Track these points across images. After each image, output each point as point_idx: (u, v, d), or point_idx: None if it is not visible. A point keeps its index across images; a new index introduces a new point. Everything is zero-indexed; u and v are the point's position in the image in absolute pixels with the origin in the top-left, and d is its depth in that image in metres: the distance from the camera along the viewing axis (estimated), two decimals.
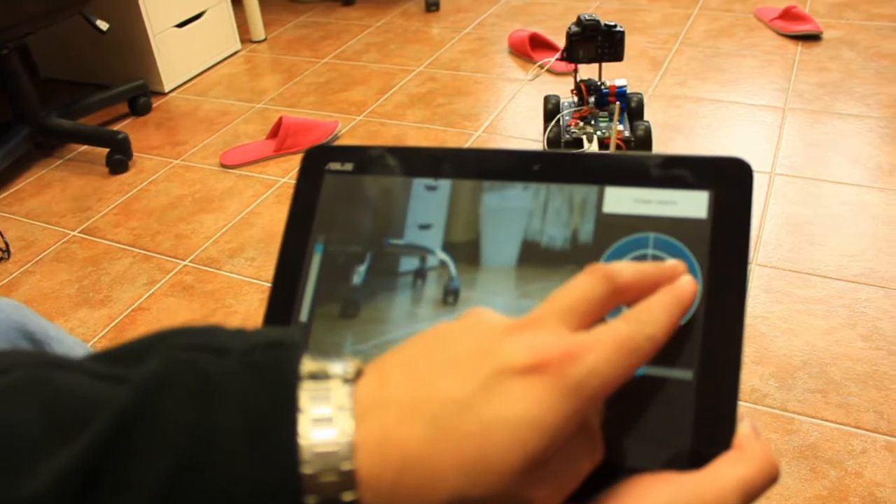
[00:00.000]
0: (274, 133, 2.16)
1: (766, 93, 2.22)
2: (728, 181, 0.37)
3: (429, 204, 0.42)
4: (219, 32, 2.70)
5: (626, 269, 0.33)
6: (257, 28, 2.87)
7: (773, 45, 2.50)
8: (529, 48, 2.51)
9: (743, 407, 1.27)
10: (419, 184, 0.42)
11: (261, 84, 2.55)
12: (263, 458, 0.27)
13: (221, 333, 0.30)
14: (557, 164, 0.40)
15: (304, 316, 0.41)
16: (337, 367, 0.30)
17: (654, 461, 0.33)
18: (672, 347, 0.34)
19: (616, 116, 1.87)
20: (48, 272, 1.74)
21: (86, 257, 1.78)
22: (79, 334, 1.56)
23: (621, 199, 0.38)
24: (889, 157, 1.88)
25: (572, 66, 1.97)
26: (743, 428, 0.33)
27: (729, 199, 0.36)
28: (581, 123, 1.94)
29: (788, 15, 2.58)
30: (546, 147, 1.97)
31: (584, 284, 0.32)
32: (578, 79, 1.96)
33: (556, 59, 2.00)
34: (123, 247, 1.80)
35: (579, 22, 1.84)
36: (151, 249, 1.79)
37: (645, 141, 1.89)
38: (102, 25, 2.16)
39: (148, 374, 0.28)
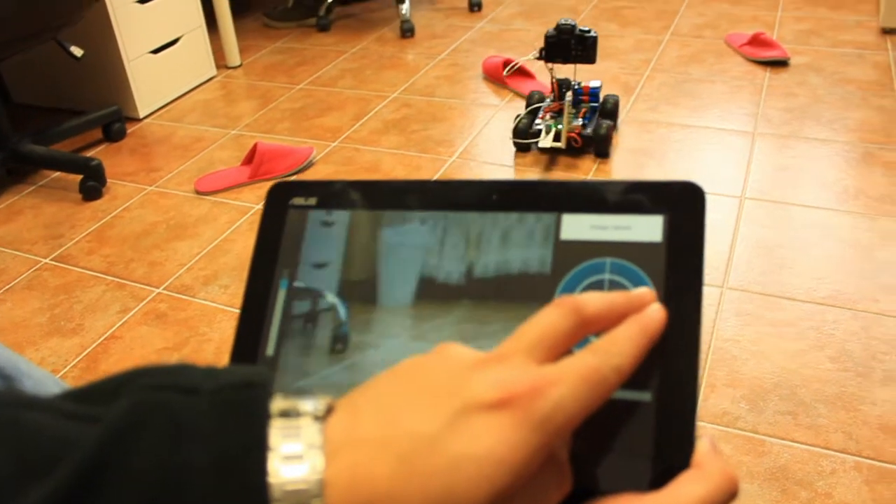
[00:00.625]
0: (249, 159, 2.16)
1: (736, 118, 2.26)
2: (682, 205, 0.38)
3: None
4: (194, 58, 2.71)
5: (593, 300, 0.34)
6: (233, 54, 2.87)
7: (742, 71, 2.55)
8: (503, 74, 2.54)
9: (714, 430, 1.29)
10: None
11: (236, 110, 2.56)
12: (233, 496, 0.27)
13: (193, 373, 0.30)
14: (516, 192, 0.41)
15: (270, 350, 0.42)
16: (308, 405, 0.30)
17: (615, 483, 0.34)
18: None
19: (567, 113, 2.02)
20: (19, 300, 1.72)
21: (58, 285, 1.77)
22: (50, 364, 1.54)
23: (578, 226, 0.39)
24: (855, 181, 1.92)
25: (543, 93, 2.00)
26: (702, 446, 0.33)
27: (683, 223, 0.37)
28: (548, 117, 2.12)
29: (757, 41, 2.63)
30: (512, 135, 2.12)
31: (551, 317, 0.33)
32: (555, 77, 2.13)
33: (534, 58, 2.13)
34: (96, 274, 1.79)
35: (557, 26, 2.03)
36: (125, 277, 1.78)
37: (603, 139, 2.03)
38: (77, 52, 2.16)
39: (119, 413, 0.28)
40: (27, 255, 1.88)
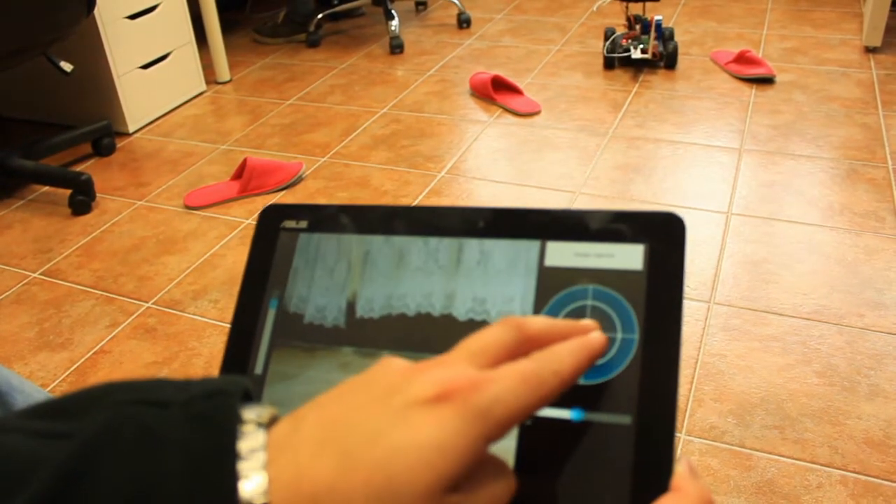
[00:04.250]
0: (238, 174, 2.17)
1: (723, 134, 2.28)
2: (662, 235, 0.39)
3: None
4: (184, 73, 2.72)
5: (537, 321, 0.35)
6: (222, 69, 2.88)
7: (728, 88, 2.58)
8: (492, 90, 2.56)
9: (702, 444, 1.30)
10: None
11: (225, 125, 2.57)
12: (206, 502, 0.27)
13: (165, 387, 0.31)
14: (502, 220, 0.42)
15: (258, 369, 0.43)
16: (251, 413, 0.31)
17: None
18: (611, 393, 0.36)
19: (653, 37, 2.68)
20: (7, 315, 1.72)
21: (47, 299, 1.76)
22: (38, 378, 1.54)
23: (563, 253, 0.40)
24: (839, 197, 1.94)
25: (532, 109, 2.01)
26: (680, 468, 0.34)
27: (663, 252, 0.39)
28: (631, 41, 2.75)
29: (743, 59, 2.67)
30: (605, 55, 2.77)
31: (495, 330, 0.34)
32: (630, 13, 2.81)
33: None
34: (85, 289, 1.79)
35: None
36: (114, 291, 1.78)
37: (672, 54, 2.73)
38: (66, 67, 2.16)
39: (91, 429, 0.28)
40: (16, 270, 1.88)
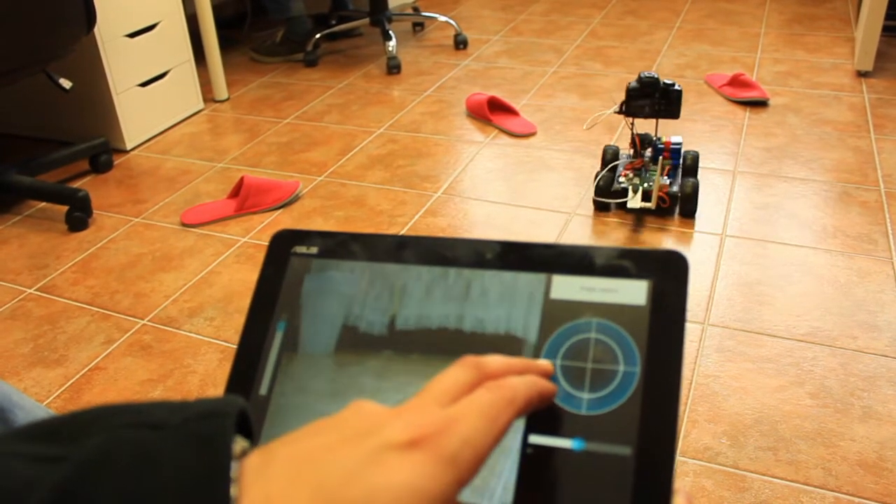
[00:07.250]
0: (235, 192, 2.17)
1: (717, 156, 2.30)
2: (666, 272, 0.40)
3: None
4: (182, 92, 2.73)
5: (494, 360, 0.37)
6: (220, 88, 2.90)
7: (722, 111, 2.60)
8: (488, 111, 2.57)
9: (696, 465, 1.30)
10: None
11: (223, 143, 2.58)
12: None
13: (160, 409, 0.31)
14: (511, 253, 0.43)
15: (263, 390, 0.43)
16: None
17: None
18: (612, 424, 0.37)
19: (660, 172, 1.93)
20: (2, 330, 1.72)
21: (42, 315, 1.76)
22: (32, 394, 1.54)
23: (568, 287, 0.42)
24: (832, 220, 1.95)
25: (527, 130, 2.03)
26: (678, 501, 0.35)
27: (666, 288, 0.40)
28: (631, 174, 2.00)
29: (737, 82, 2.69)
30: (594, 195, 2.00)
31: (455, 371, 0.36)
32: (635, 132, 2.03)
33: (614, 112, 2.07)
34: (81, 305, 1.79)
35: (639, 78, 1.92)
36: (110, 308, 1.78)
37: (690, 198, 1.93)
38: (65, 84, 2.17)
39: (86, 452, 0.29)
40: (11, 285, 1.88)
